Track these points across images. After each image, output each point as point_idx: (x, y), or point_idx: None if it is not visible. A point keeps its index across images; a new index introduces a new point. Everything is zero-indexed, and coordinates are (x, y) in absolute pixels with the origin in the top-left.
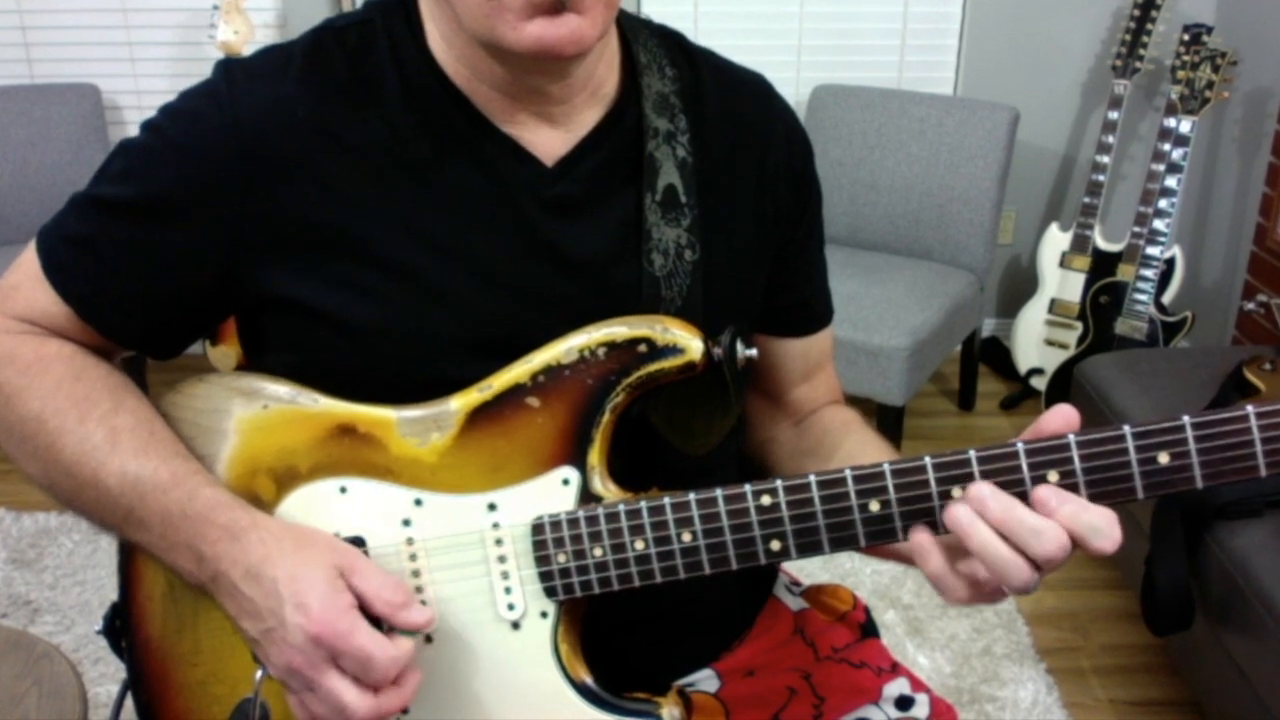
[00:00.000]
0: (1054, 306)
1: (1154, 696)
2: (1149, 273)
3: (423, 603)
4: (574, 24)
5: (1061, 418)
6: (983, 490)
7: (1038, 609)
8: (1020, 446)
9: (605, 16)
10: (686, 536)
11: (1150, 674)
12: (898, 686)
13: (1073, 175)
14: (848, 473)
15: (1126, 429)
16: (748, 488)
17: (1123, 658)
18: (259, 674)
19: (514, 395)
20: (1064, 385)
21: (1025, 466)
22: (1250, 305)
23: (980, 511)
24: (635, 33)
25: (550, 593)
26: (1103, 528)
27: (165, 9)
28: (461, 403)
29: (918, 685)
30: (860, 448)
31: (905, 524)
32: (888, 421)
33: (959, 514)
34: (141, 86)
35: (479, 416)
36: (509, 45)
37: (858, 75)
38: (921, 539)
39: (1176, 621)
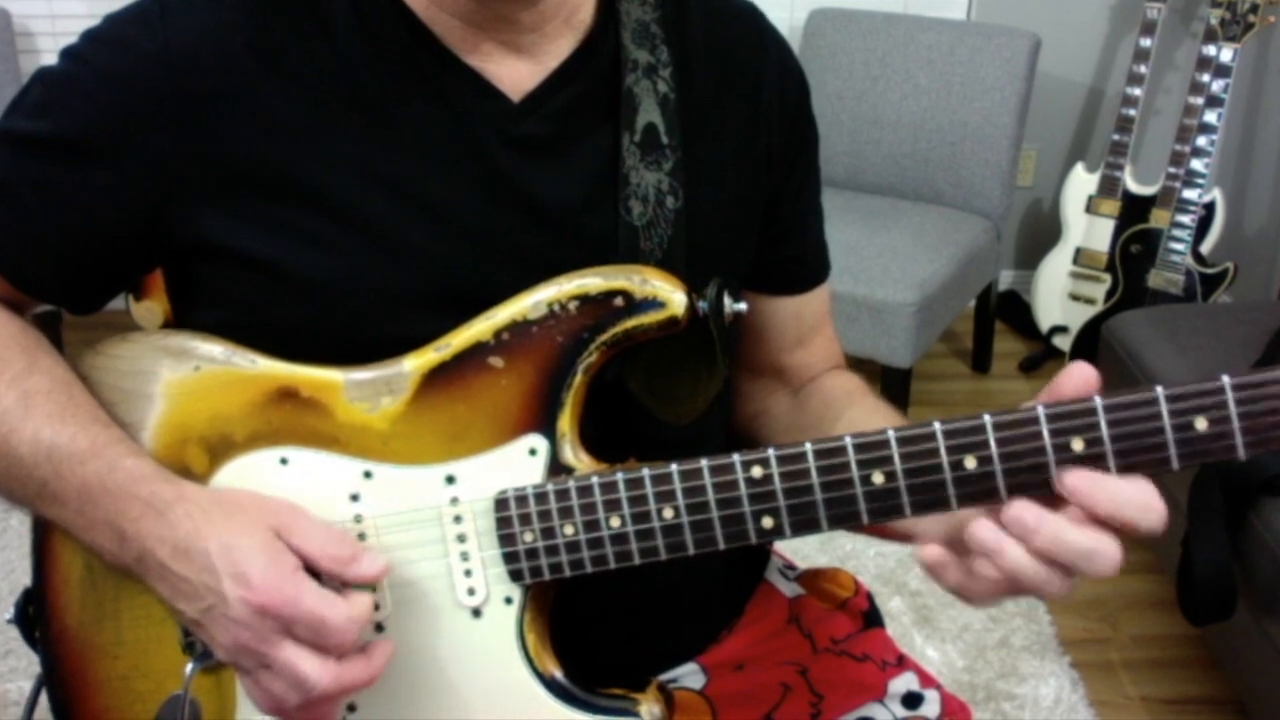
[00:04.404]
0: (1079, 257)
1: (1191, 693)
2: (1186, 219)
3: (374, 591)
4: None
5: (1079, 377)
6: (1026, 515)
7: (1061, 597)
8: (1040, 411)
9: None
10: (668, 512)
11: (1187, 668)
12: (904, 682)
13: (1100, 110)
14: (848, 441)
15: (1159, 391)
16: (736, 458)
17: (1156, 650)
18: (189, 667)
19: (475, 355)
20: (1090, 345)
21: (1046, 434)
22: None
23: (1023, 538)
24: None
25: (515, 576)
26: (1149, 504)
27: None
28: (416, 363)
29: (927, 681)
30: (865, 417)
31: (913, 499)
32: (893, 385)
33: (985, 536)
34: (56, 10)
35: (436, 379)
36: None
37: None
38: (932, 556)
39: (1216, 610)
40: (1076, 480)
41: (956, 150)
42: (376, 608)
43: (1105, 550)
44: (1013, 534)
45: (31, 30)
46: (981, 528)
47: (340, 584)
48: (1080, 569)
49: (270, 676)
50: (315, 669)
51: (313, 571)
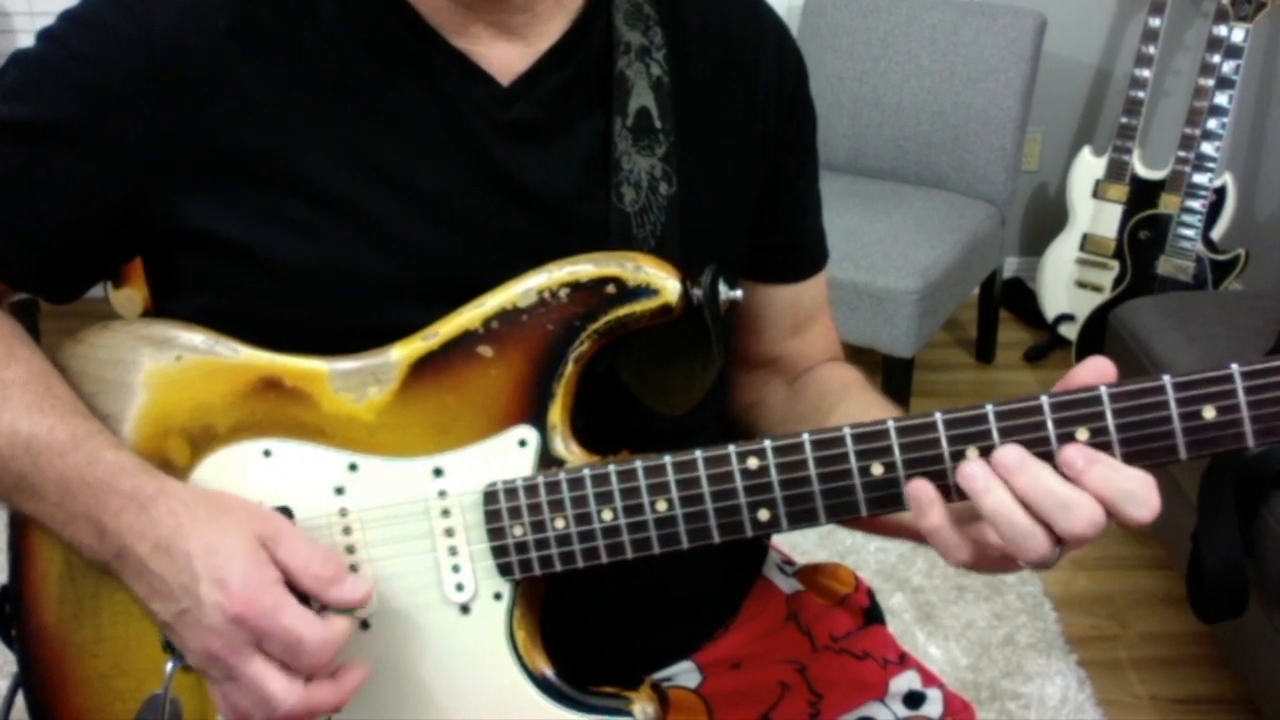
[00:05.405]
0: (1086, 243)
1: (1201, 693)
2: (1196, 204)
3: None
4: None
5: (1095, 371)
6: (1009, 457)
7: (1068, 592)
8: (1045, 400)
9: None
10: (661, 505)
11: (1197, 667)
12: (906, 681)
13: (1108, 91)
14: (846, 431)
15: (1166, 379)
16: (732, 449)
17: (1165, 648)
18: (170, 666)
19: (464, 344)
20: (1098, 334)
21: (1050, 423)
22: None
23: (1006, 479)
24: None
25: (505, 571)
26: (1138, 493)
27: None
28: (403, 353)
29: (929, 679)
30: (862, 411)
31: None
32: (895, 375)
33: (974, 472)
34: None
35: (423, 368)
36: None
37: None
38: (921, 490)
39: (1228, 607)
40: (1071, 454)
41: (960, 133)
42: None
43: (1083, 505)
44: (998, 474)
45: (8, 10)
46: (970, 464)
47: (320, 605)
48: (1058, 522)
49: (236, 690)
50: (281, 688)
51: (295, 589)
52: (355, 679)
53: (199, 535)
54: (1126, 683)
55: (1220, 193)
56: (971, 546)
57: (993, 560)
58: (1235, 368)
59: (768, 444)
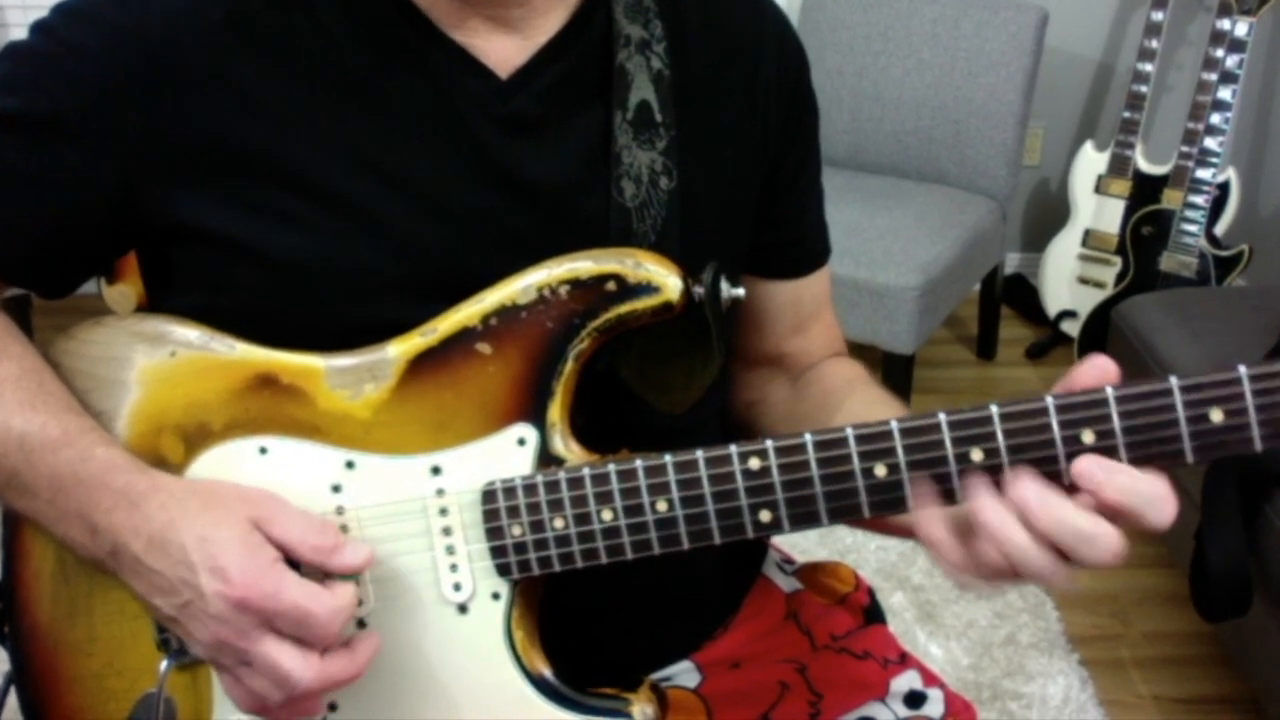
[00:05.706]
0: (1088, 239)
1: (1204, 692)
2: (1199, 199)
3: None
4: None
5: (1096, 370)
6: (1027, 494)
7: (1070, 591)
8: (1050, 402)
9: None
10: (662, 505)
11: (1200, 666)
12: (907, 680)
13: (1110, 86)
14: (849, 431)
15: (1173, 381)
16: (733, 449)
17: (1168, 648)
18: (164, 665)
19: (462, 340)
20: (1100, 330)
21: (1056, 425)
22: None
23: (1025, 519)
24: None
25: (503, 570)
26: (1158, 499)
27: None
28: (401, 349)
29: (930, 679)
30: (866, 408)
31: (916, 492)
32: (895, 372)
33: (990, 514)
34: None
35: (421, 365)
36: None
37: None
38: (935, 536)
39: (1231, 606)
40: (1089, 466)
41: (961, 128)
42: (359, 602)
43: (1105, 535)
44: (1016, 516)
45: (1, 3)
46: (986, 509)
47: (323, 575)
48: (1079, 554)
49: (251, 673)
50: (298, 664)
51: (293, 563)
52: (369, 648)
53: (191, 527)
54: (1129, 682)
55: (1224, 188)
56: (980, 566)
57: (1004, 578)
58: (1243, 370)
59: (769, 444)
